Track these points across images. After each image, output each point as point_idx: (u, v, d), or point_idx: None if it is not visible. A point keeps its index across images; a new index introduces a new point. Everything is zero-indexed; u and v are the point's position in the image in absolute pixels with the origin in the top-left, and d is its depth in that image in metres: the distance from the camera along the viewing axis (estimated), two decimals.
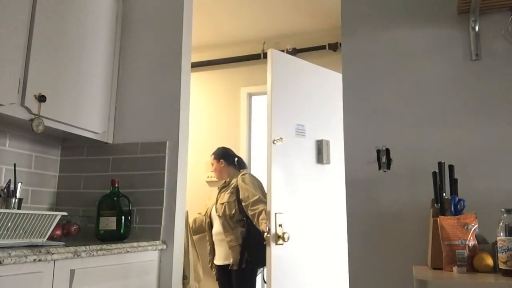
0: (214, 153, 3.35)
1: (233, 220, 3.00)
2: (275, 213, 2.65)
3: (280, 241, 2.61)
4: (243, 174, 3.13)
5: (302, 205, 2.87)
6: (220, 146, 3.43)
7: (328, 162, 3.00)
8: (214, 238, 3.12)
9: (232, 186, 3.13)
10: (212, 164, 3.33)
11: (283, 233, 2.62)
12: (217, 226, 3.10)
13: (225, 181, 3.26)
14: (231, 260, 2.95)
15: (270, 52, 2.87)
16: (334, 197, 2.97)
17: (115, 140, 2.33)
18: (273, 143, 2.69)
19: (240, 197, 3.00)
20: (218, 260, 3.08)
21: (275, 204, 2.66)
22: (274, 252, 2.59)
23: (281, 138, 2.70)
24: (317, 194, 2.95)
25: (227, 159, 3.29)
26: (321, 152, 2.98)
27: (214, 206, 3.15)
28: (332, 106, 3.01)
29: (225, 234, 3.01)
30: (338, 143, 2.90)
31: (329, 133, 3.01)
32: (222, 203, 3.07)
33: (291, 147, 2.80)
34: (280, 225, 2.64)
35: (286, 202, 2.74)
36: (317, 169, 2.97)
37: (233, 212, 2.99)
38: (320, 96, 3.05)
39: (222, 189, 3.20)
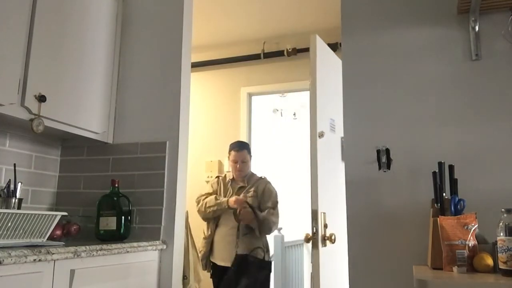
0: (246, 148, 3.16)
1: (253, 225, 2.93)
2: (322, 213, 2.38)
3: (326, 243, 2.39)
4: (268, 182, 3.07)
5: (337, 204, 2.60)
6: (234, 142, 3.24)
7: None
8: (220, 237, 2.99)
9: (253, 189, 3.01)
10: (243, 161, 3.08)
11: (331, 234, 2.41)
12: (230, 226, 2.96)
13: (232, 178, 3.13)
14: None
15: (313, 38, 2.56)
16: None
17: (115, 140, 2.33)
18: (318, 137, 2.42)
19: (268, 204, 2.95)
20: (224, 261, 2.96)
21: (321, 203, 2.39)
22: (321, 255, 2.34)
23: (323, 133, 2.48)
24: (338, 193, 2.67)
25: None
26: (343, 149, 2.71)
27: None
28: None
29: (241, 237, 2.91)
30: None
31: None
32: (244, 207, 2.94)
33: (326, 143, 2.57)
34: (325, 226, 2.42)
35: (327, 201, 2.51)
36: (342, 167, 2.80)
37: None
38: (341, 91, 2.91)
39: (239, 189, 3.06)
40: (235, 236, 2.92)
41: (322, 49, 2.71)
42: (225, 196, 3.07)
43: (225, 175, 3.23)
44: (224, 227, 3.01)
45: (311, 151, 2.45)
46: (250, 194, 2.98)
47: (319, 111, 2.49)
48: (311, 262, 2.43)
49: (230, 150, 3.16)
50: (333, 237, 2.43)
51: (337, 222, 2.55)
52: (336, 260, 2.54)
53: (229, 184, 3.12)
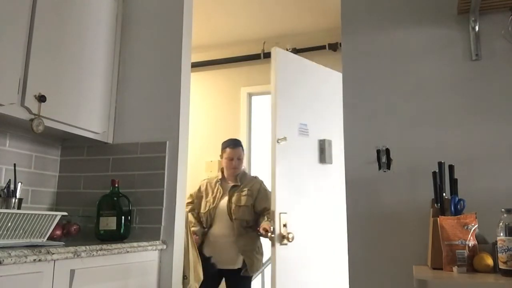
0: (240, 145, 3.15)
1: (248, 224, 2.92)
2: (279, 213, 2.63)
3: (285, 241, 2.61)
4: (262, 182, 3.08)
5: (306, 205, 2.85)
6: (226, 140, 3.21)
7: (330, 162, 2.98)
8: (215, 238, 2.93)
9: (247, 188, 2.98)
10: (239, 158, 3.09)
11: (288, 233, 2.61)
12: (223, 227, 2.93)
13: (222, 175, 3.09)
14: (240, 264, 2.87)
15: (273, 51, 2.85)
16: (336, 197, 2.95)
17: (115, 140, 2.33)
18: (277, 142, 2.68)
19: (265, 205, 2.93)
20: (222, 264, 2.91)
21: (279, 204, 2.65)
22: (279, 252, 2.59)
23: (285, 138, 2.70)
24: (320, 194, 2.93)
25: None
26: (323, 152, 2.97)
27: (227, 205, 2.96)
28: (335, 105, 2.95)
29: (236, 237, 2.89)
30: (340, 143, 2.87)
31: (331, 133, 3.00)
32: (240, 206, 2.92)
33: (294, 147, 2.79)
34: (284, 225, 2.63)
35: (290, 202, 2.73)
36: (319, 169, 2.96)
37: (251, 218, 2.92)
38: (323, 95, 3.02)
39: (232, 188, 3.02)
40: (232, 237, 2.90)
41: (286, 59, 2.93)
42: (214, 198, 3.01)
43: (211, 178, 3.19)
44: (218, 228, 2.94)
45: (271, 157, 2.69)
46: (245, 193, 2.96)
47: (280, 118, 2.74)
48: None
49: (224, 148, 3.13)
50: (290, 236, 2.63)
51: (299, 222, 2.77)
52: (299, 257, 2.74)
53: (218, 184, 3.06)
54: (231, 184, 3.05)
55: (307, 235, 2.80)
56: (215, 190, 3.06)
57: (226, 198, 3.00)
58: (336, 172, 2.97)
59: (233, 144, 3.13)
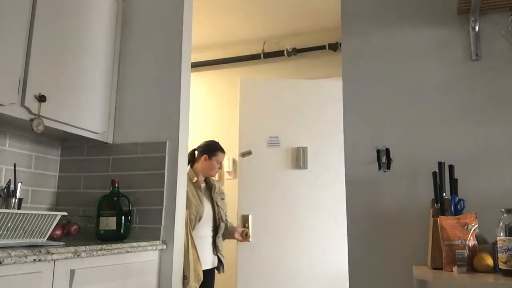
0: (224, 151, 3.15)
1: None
2: (241, 215, 3.14)
3: (246, 239, 3.10)
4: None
5: (275, 207, 3.23)
6: (212, 142, 3.10)
7: (305, 167, 3.29)
8: (197, 239, 2.76)
9: (221, 192, 3.06)
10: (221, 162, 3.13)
11: (247, 233, 3.08)
12: (205, 229, 2.88)
13: (195, 179, 2.95)
14: (216, 264, 2.94)
15: (238, 81, 3.35)
16: (314, 198, 3.28)
17: (115, 140, 2.33)
18: (241, 156, 3.23)
19: (225, 209, 3.06)
20: (207, 265, 2.83)
21: (242, 207, 3.16)
22: (240, 248, 3.13)
23: (249, 151, 3.22)
24: (294, 196, 3.28)
25: None
26: (298, 158, 3.29)
27: (213, 208, 2.93)
28: (310, 114, 3.40)
29: (218, 239, 2.94)
30: (316, 149, 3.34)
31: (306, 140, 3.37)
32: (224, 209, 3.03)
33: (262, 157, 3.29)
34: (246, 225, 3.12)
35: (253, 205, 3.20)
36: (293, 174, 3.31)
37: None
38: (297, 107, 3.41)
39: (208, 189, 2.97)
40: (211, 238, 2.92)
41: (256, 86, 3.39)
42: (200, 200, 2.87)
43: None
44: (201, 229, 2.86)
45: (238, 167, 3.27)
46: (222, 196, 3.05)
47: (246, 135, 3.28)
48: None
49: (215, 150, 3.00)
50: (251, 234, 3.12)
51: (262, 222, 3.22)
52: (263, 254, 3.19)
53: (196, 186, 2.91)
54: (203, 184, 2.99)
55: (271, 234, 3.20)
56: (196, 192, 2.89)
57: (209, 201, 2.95)
58: (312, 175, 3.32)
59: (222, 149, 3.06)
